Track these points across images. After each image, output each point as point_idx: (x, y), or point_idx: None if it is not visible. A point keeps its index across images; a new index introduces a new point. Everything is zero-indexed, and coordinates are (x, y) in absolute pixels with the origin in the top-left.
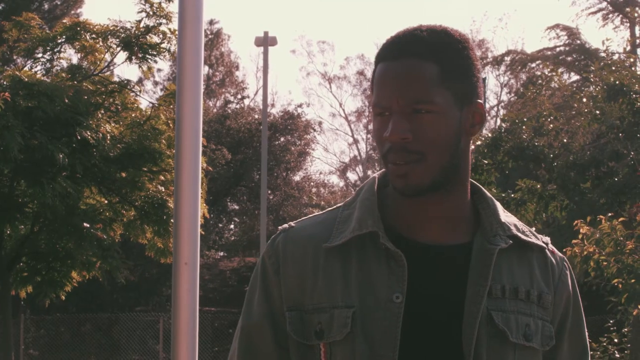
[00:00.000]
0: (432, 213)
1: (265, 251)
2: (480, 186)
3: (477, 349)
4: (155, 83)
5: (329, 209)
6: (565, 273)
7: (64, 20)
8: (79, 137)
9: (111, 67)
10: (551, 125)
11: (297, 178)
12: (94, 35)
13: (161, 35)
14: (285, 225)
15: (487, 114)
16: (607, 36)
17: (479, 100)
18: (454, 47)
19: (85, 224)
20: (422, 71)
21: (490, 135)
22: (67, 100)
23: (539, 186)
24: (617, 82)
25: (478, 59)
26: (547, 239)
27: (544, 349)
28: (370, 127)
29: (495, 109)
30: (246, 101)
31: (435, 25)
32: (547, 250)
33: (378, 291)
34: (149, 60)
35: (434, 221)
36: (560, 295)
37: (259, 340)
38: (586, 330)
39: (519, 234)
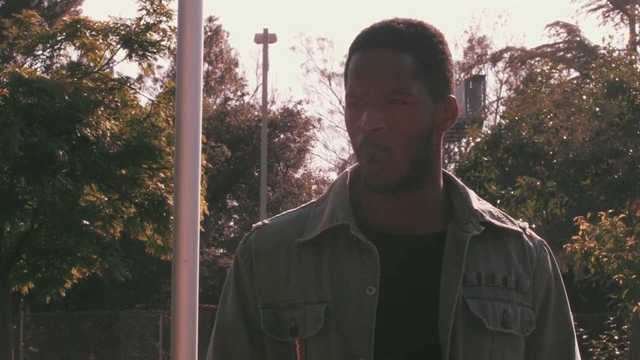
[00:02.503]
0: (404, 207)
1: (238, 249)
2: (452, 175)
3: (453, 338)
4: (155, 80)
5: (302, 205)
6: (545, 256)
7: (64, 18)
8: (78, 134)
9: (111, 65)
10: (551, 123)
11: (296, 175)
12: (93, 33)
13: (161, 33)
14: (259, 223)
15: (459, 110)
16: (607, 33)
17: (452, 96)
18: (429, 41)
19: (85, 222)
20: (398, 61)
21: (489, 132)
22: (67, 98)
23: (538, 183)
24: (616, 79)
25: (451, 55)
26: (525, 224)
27: (525, 335)
28: None
29: (495, 105)
30: (246, 98)
31: (411, 18)
32: (524, 235)
33: (351, 285)
34: (149, 58)
35: (406, 214)
36: (540, 279)
37: (233, 339)
38: (571, 314)
39: (493, 220)
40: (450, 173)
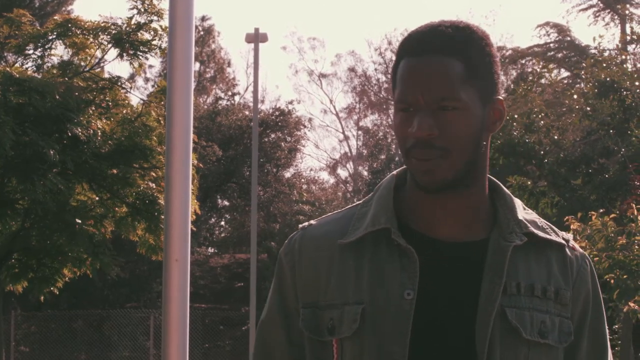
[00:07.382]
0: (450, 209)
1: (282, 249)
2: (499, 183)
3: (490, 345)
4: (147, 79)
5: (350, 205)
6: (585, 269)
7: (55, 17)
8: (69, 134)
9: (102, 64)
10: (542, 122)
11: (287, 174)
12: (84, 32)
13: (152, 32)
14: (305, 224)
15: (506, 111)
16: (597, 33)
17: (500, 97)
18: (477, 45)
19: (77, 220)
20: (447, 68)
21: None
22: (58, 97)
23: (529, 183)
24: (607, 79)
25: (497, 56)
26: (569, 236)
27: (562, 346)
28: (362, 124)
29: None
30: (236, 98)
31: (457, 21)
32: (566, 247)
33: (389, 288)
34: (140, 57)
35: (450, 218)
36: (579, 291)
37: (272, 336)
38: (607, 328)
39: (537, 231)
40: (496, 180)
